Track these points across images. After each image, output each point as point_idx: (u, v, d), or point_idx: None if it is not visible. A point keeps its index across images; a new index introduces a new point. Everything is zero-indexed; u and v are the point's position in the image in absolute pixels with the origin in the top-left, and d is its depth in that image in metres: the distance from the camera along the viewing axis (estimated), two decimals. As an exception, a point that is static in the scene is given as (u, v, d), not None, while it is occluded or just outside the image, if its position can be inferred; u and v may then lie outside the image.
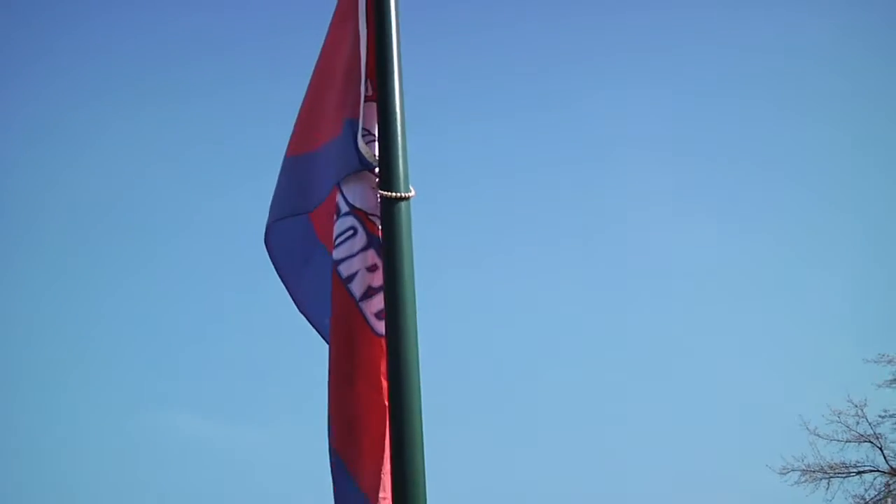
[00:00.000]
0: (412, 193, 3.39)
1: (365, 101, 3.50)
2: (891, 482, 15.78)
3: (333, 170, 3.57)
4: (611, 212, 31.95)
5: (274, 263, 3.91)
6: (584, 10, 32.16)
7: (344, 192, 3.56)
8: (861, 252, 29.10)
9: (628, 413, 25.43)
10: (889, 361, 16.16)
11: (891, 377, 16.16)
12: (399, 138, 3.42)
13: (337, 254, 3.52)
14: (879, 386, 16.23)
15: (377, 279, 3.44)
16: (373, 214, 3.49)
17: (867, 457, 16.05)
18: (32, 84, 32.21)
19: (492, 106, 32.57)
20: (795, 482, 15.94)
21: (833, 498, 15.95)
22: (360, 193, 3.53)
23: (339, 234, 3.55)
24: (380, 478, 3.37)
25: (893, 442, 16.14)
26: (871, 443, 16.09)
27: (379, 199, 3.38)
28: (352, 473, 3.44)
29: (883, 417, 16.13)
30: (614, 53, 33.66)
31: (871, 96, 30.71)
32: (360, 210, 3.53)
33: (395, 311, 3.27)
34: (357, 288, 3.49)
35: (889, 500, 15.67)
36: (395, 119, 3.43)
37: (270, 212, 3.85)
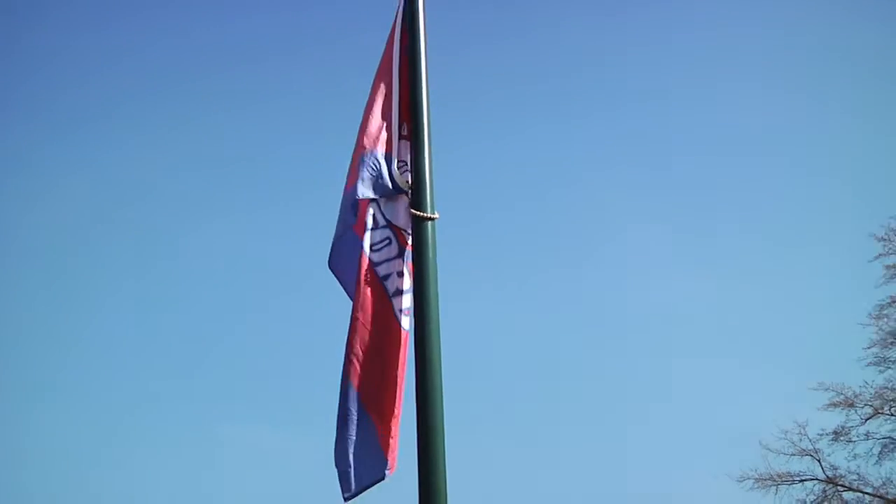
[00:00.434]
0: (437, 216, 4.18)
1: (400, 139, 4.30)
2: (827, 488, 18.01)
3: (369, 186, 4.29)
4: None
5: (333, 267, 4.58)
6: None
7: (382, 210, 4.31)
8: (808, 302, 30.98)
9: (612, 431, 26.95)
10: (826, 389, 18.28)
11: (827, 402, 18.31)
12: (427, 170, 4.22)
13: (376, 257, 4.26)
14: (818, 409, 18.43)
15: (404, 283, 4.21)
16: (404, 230, 4.26)
17: (808, 468, 18.20)
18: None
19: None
20: (750, 488, 18.06)
21: (780, 502, 18.04)
22: (394, 212, 4.30)
23: (377, 242, 4.28)
24: (393, 406, 4.04)
25: (829, 455, 18.30)
26: (812, 456, 18.27)
27: (411, 218, 4.16)
28: (363, 400, 4.07)
29: (821, 435, 18.34)
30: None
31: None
32: (394, 225, 4.30)
33: (422, 308, 3.99)
34: (390, 286, 4.26)
35: (825, 503, 17.28)
36: (424, 154, 4.25)
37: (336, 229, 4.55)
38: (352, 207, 4.39)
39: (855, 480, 17.56)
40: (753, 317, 31.61)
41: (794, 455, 17.88)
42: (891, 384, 17.97)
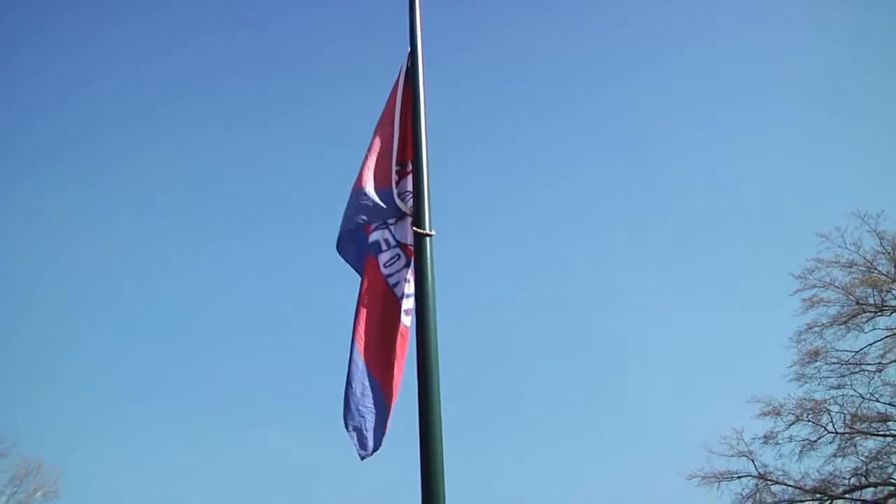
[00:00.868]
0: (434, 233, 5.06)
1: (403, 175, 5.32)
2: (759, 483, 20.42)
3: (379, 211, 5.26)
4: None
5: (342, 251, 5.39)
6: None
7: (393, 231, 5.26)
8: (742, 330, 35.16)
9: (577, 438, 30.34)
10: (757, 401, 21.17)
11: (759, 412, 21.12)
12: (426, 198, 5.14)
13: (387, 271, 5.17)
14: (752, 418, 21.29)
15: (409, 288, 5.14)
16: (410, 245, 5.16)
17: (744, 466, 20.83)
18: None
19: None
20: (697, 485, 20.71)
21: (721, 495, 20.69)
22: (402, 231, 5.27)
23: (390, 258, 5.21)
24: (390, 369, 4.88)
25: (760, 455, 20.96)
26: (746, 456, 20.89)
27: (413, 235, 5.05)
28: (367, 363, 4.89)
29: (754, 440, 21.10)
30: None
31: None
32: (402, 243, 5.23)
33: (422, 308, 4.75)
34: (398, 291, 5.20)
35: (757, 495, 20.33)
36: (423, 184, 5.18)
37: (343, 225, 5.35)
38: (359, 210, 5.24)
39: (781, 476, 20.28)
40: (699, 343, 36.23)
41: (732, 456, 20.69)
42: (808, 396, 20.77)
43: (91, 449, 32.32)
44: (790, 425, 20.73)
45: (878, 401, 20.43)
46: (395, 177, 5.29)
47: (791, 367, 21.10)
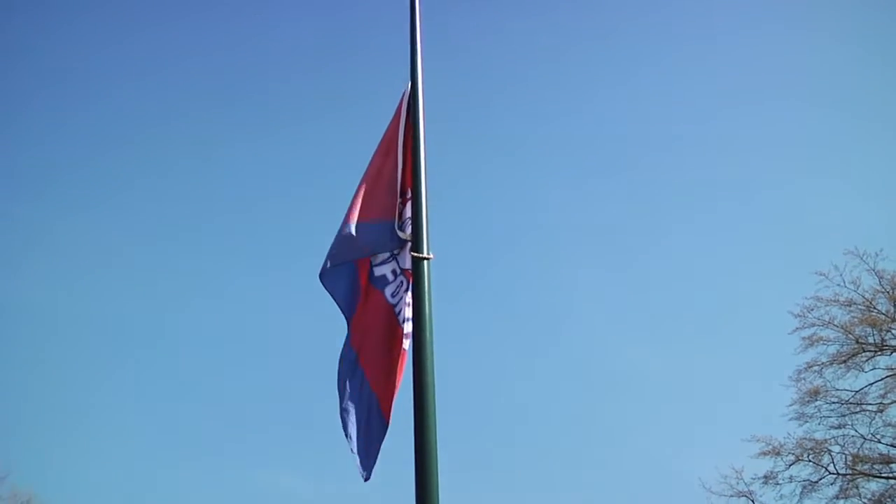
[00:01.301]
0: (431, 256, 5.26)
1: (404, 203, 5.52)
2: None
3: (382, 242, 5.50)
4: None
5: (328, 286, 5.59)
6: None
7: (398, 262, 5.50)
8: (741, 369, 35.00)
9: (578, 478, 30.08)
10: (757, 440, 20.95)
11: (759, 451, 20.90)
12: (424, 224, 5.32)
13: (393, 299, 5.41)
14: (751, 457, 21.05)
15: (409, 312, 5.30)
16: (410, 270, 5.32)
17: None
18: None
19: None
20: None
21: None
22: (404, 258, 5.49)
23: (395, 288, 5.45)
24: (390, 379, 5.12)
25: (761, 496, 20.73)
26: (746, 497, 20.64)
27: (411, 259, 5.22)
28: (363, 368, 5.18)
29: (753, 479, 20.85)
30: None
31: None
32: (405, 269, 5.44)
33: (419, 331, 4.93)
34: (400, 318, 5.46)
35: None
36: (421, 212, 5.37)
37: (331, 255, 5.54)
38: (349, 242, 5.44)
39: (781, 517, 20.06)
40: (699, 382, 35.80)
41: (732, 496, 20.48)
42: (809, 435, 20.57)
43: (90, 489, 31.73)
44: (790, 465, 20.49)
45: (881, 442, 20.29)
46: (398, 207, 5.53)
47: (791, 405, 20.95)
